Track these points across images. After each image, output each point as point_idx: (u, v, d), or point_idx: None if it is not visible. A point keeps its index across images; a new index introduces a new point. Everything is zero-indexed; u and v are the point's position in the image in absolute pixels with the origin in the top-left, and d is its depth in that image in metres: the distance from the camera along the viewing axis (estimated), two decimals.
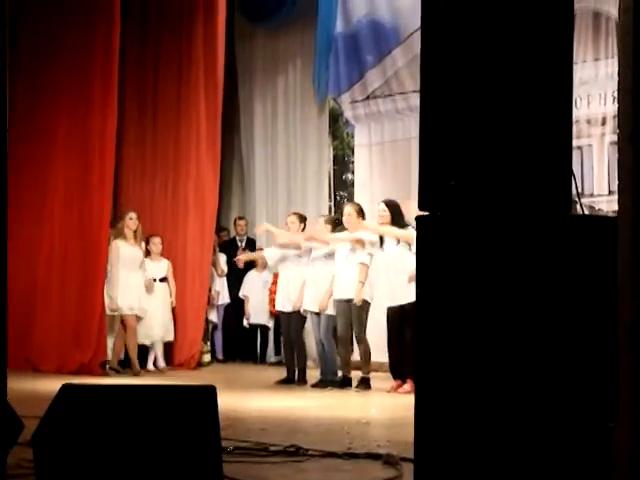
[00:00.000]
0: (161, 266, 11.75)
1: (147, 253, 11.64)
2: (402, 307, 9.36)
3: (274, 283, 12.53)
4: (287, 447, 5.20)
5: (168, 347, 11.98)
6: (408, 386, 9.29)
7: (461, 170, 3.93)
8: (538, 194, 3.88)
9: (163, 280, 11.70)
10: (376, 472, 4.51)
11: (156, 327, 11.61)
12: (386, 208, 9.63)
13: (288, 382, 10.17)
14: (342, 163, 12.94)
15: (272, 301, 12.47)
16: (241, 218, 13.58)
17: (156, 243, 11.71)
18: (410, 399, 8.35)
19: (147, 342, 11.62)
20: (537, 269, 3.78)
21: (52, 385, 8.94)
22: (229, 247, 13.20)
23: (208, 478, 3.71)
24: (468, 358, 3.81)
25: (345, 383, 9.77)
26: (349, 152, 12.87)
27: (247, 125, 13.95)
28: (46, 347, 11.23)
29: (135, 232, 11.38)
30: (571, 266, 3.79)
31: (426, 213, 4.05)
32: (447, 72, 3.97)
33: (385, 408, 8.10)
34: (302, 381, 10.10)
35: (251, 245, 13.26)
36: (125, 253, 11.24)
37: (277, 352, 12.89)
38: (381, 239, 9.66)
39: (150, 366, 11.61)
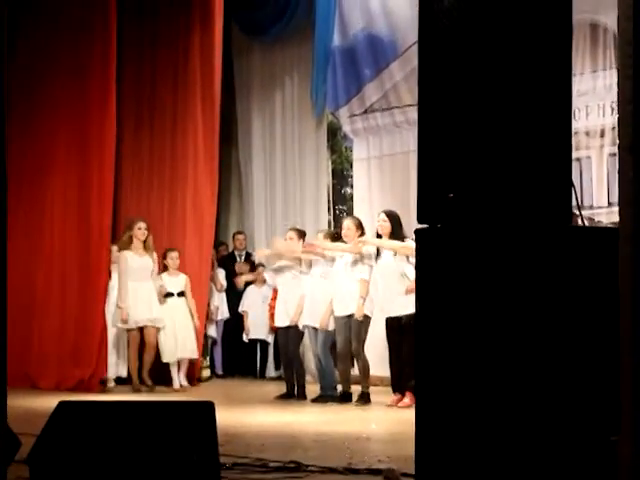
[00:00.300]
0: (179, 281, 11.43)
1: (164, 268, 11.43)
2: (400, 320, 9.35)
3: (274, 298, 12.50)
4: (287, 463, 5.17)
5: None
6: (408, 400, 9.25)
7: (460, 182, 3.92)
8: (538, 206, 3.86)
9: (181, 295, 11.39)
10: None
11: (175, 344, 11.21)
12: (386, 218, 9.62)
13: (288, 397, 10.13)
14: (341, 177, 12.90)
15: (272, 316, 12.44)
16: (240, 233, 13.55)
17: (173, 257, 11.42)
18: (410, 413, 8.33)
19: (166, 360, 11.22)
20: (537, 281, 3.76)
21: (50, 402, 8.88)
22: (228, 262, 13.15)
23: None
24: (469, 371, 3.78)
25: (345, 398, 9.73)
26: (348, 166, 12.84)
27: (245, 139, 13.93)
28: (45, 363, 11.19)
29: (145, 242, 11.15)
30: (571, 278, 3.77)
31: (425, 226, 4.04)
32: (445, 85, 3.96)
33: (385, 422, 8.06)
34: (302, 396, 10.06)
35: (250, 259, 13.23)
36: (133, 264, 11.01)
37: (277, 367, 12.83)
38: (378, 251, 9.64)
39: (176, 384, 11.15)
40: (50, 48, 11.70)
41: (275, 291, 12.44)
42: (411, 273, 9.28)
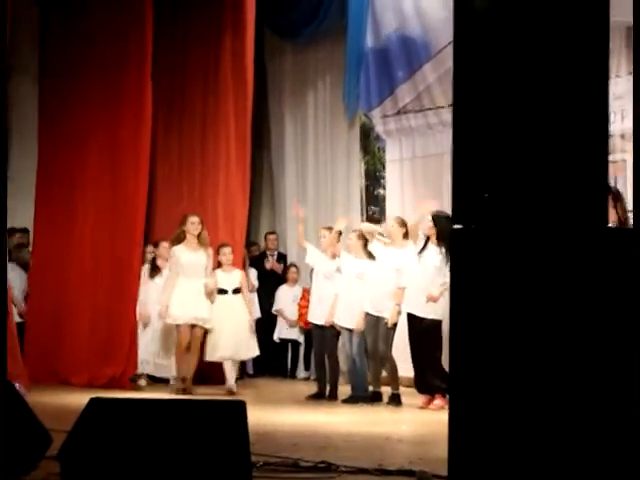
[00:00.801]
0: (233, 277, 10.93)
1: (218, 264, 10.92)
2: (421, 320, 9.35)
3: (303, 298, 12.52)
4: (318, 463, 5.15)
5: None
6: (439, 401, 9.23)
7: (495, 183, 3.89)
8: (573, 208, 3.83)
9: (237, 292, 10.88)
10: None
11: (229, 343, 10.66)
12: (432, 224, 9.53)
13: (319, 397, 10.13)
14: (373, 178, 12.88)
15: (301, 316, 12.46)
16: (271, 233, 13.57)
17: (226, 253, 10.93)
18: (441, 415, 8.33)
19: (212, 359, 10.77)
20: (573, 282, 3.73)
21: (81, 399, 8.94)
22: (259, 262, 13.16)
23: None
24: (503, 373, 3.76)
25: (376, 398, 9.74)
26: (380, 167, 12.81)
27: (277, 141, 13.93)
28: (76, 360, 11.22)
29: (198, 237, 10.65)
30: (606, 279, 3.73)
31: (460, 226, 4.02)
32: (480, 85, 3.93)
33: (415, 424, 8.04)
34: (333, 396, 10.05)
35: (282, 259, 13.25)
36: (185, 259, 10.56)
37: (307, 367, 12.85)
38: (424, 246, 9.53)
39: (230, 384, 10.55)
40: (85, 50, 11.74)
41: (305, 290, 12.47)
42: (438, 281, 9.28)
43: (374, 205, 12.80)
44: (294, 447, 6.07)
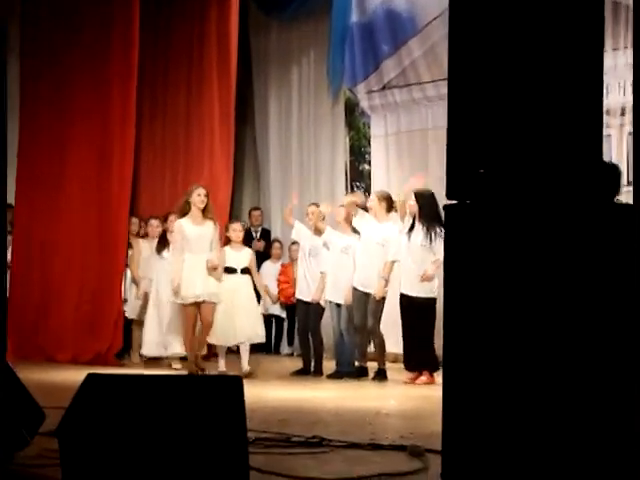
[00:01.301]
0: (243, 255, 10.34)
1: (227, 241, 10.37)
2: (412, 299, 9.37)
3: (282, 274, 12.56)
4: (309, 438, 5.16)
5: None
6: (425, 377, 9.28)
7: (490, 158, 3.89)
8: (567, 182, 3.84)
9: (245, 272, 10.28)
10: (402, 463, 4.47)
11: (240, 326, 10.08)
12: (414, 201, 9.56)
13: (304, 373, 10.15)
14: (358, 153, 12.89)
15: (282, 291, 12.50)
16: (256, 209, 13.58)
17: (236, 229, 10.38)
18: (427, 390, 8.37)
19: (217, 342, 10.23)
20: (569, 258, 3.74)
21: (68, 375, 8.99)
22: (244, 238, 13.13)
23: (234, 469, 3.68)
24: (497, 349, 3.77)
25: (361, 373, 9.76)
26: (365, 143, 12.82)
27: (261, 116, 13.92)
28: (62, 337, 11.20)
29: (204, 210, 9.97)
30: (603, 254, 3.74)
31: (454, 202, 4.02)
32: (475, 59, 3.93)
33: (402, 399, 8.06)
34: (318, 372, 10.07)
35: (266, 235, 13.25)
36: (191, 233, 9.89)
37: (290, 343, 12.87)
38: (411, 227, 9.55)
39: (245, 367, 10.00)
40: (70, 31, 11.63)
41: (283, 266, 12.51)
42: (430, 260, 9.30)
43: (359, 181, 12.81)
44: (283, 423, 6.07)
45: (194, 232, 9.90)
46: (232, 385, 3.76)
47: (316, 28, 13.15)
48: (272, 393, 8.29)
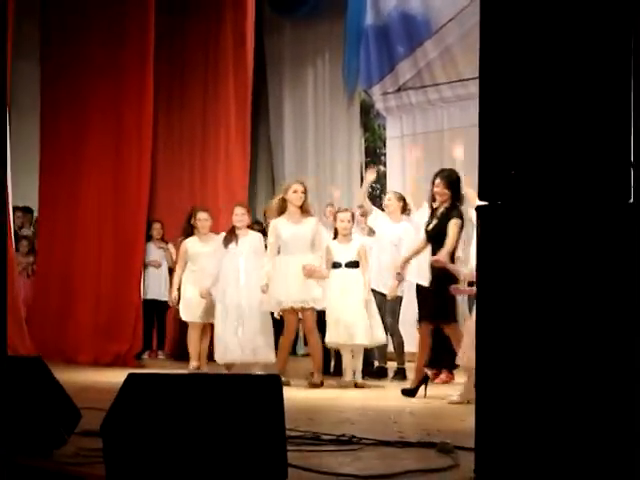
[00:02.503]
0: (350, 248, 9.34)
1: (335, 234, 9.55)
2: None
3: None
4: (339, 436, 5.22)
5: None
6: (444, 376, 9.33)
7: (522, 159, 3.94)
8: (598, 183, 3.88)
9: (353, 265, 9.30)
10: (433, 460, 4.53)
11: (345, 328, 9.18)
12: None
13: (324, 373, 10.14)
14: (374, 155, 12.95)
15: None
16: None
17: (344, 220, 9.38)
18: (446, 389, 8.41)
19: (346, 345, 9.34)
20: (598, 259, 3.78)
21: (89, 377, 9.06)
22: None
23: (273, 466, 3.75)
24: (530, 348, 3.82)
25: (381, 374, 9.80)
26: (381, 144, 12.88)
27: (276, 117, 14.00)
28: (82, 338, 11.30)
29: (301, 207, 9.27)
30: (633, 257, 3.79)
31: (486, 203, 4.08)
32: (507, 60, 3.98)
33: (423, 398, 8.10)
34: (338, 372, 10.09)
35: None
36: (287, 233, 9.20)
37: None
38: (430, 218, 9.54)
39: (348, 378, 9.24)
40: (87, 29, 11.79)
41: None
42: None
43: (374, 182, 12.82)
44: (311, 422, 6.11)
45: (290, 232, 9.21)
46: (271, 384, 3.84)
47: (331, 28, 13.24)
48: (294, 393, 8.32)
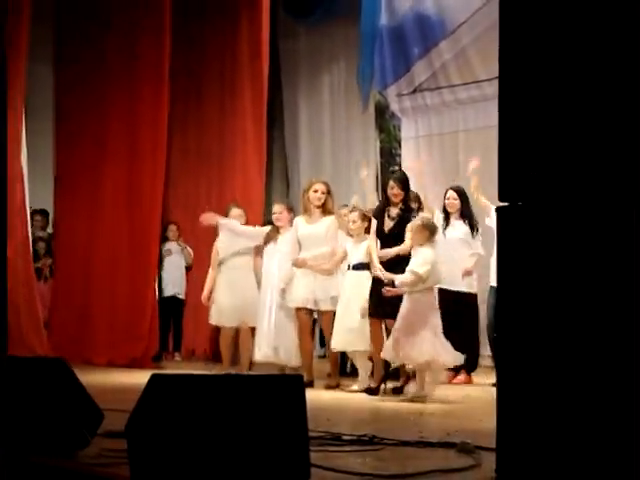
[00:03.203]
0: (359, 249, 9.01)
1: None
2: (456, 295, 9.41)
3: None
4: (360, 436, 5.24)
5: None
6: (462, 377, 9.34)
7: (542, 160, 3.95)
8: (619, 184, 3.88)
9: (361, 268, 8.93)
10: (454, 460, 4.54)
11: (347, 333, 8.98)
12: (456, 196, 9.64)
13: (340, 374, 10.16)
14: (389, 156, 12.98)
15: None
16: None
17: (356, 219, 9.08)
18: (465, 390, 8.42)
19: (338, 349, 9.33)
20: (619, 260, 3.78)
21: (108, 378, 9.10)
22: None
23: (296, 466, 3.77)
24: (552, 348, 3.83)
25: (397, 375, 9.78)
26: (396, 145, 12.91)
27: (292, 120, 14.03)
28: (99, 340, 11.35)
29: (322, 207, 9.21)
30: None
31: (506, 204, 4.09)
32: (527, 62, 3.99)
33: (441, 398, 8.12)
34: (355, 373, 10.09)
35: None
36: (303, 232, 9.18)
37: (322, 344, 12.90)
38: (446, 222, 9.62)
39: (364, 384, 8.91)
40: (104, 31, 11.85)
41: None
42: (468, 254, 9.37)
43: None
44: (329, 422, 6.12)
45: (306, 230, 9.18)
46: (293, 384, 3.86)
47: (346, 31, 13.27)
48: (312, 394, 8.29)
